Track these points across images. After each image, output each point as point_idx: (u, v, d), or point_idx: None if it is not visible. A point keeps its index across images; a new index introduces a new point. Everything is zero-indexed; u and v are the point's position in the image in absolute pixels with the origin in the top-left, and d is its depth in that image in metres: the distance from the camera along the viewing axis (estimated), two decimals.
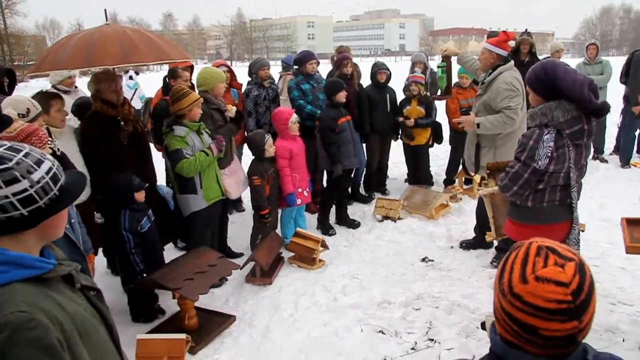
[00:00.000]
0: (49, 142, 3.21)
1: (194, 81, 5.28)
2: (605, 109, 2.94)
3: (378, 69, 6.83)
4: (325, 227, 5.95)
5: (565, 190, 3.06)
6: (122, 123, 4.17)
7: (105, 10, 4.19)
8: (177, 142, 4.27)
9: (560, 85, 2.89)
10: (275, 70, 7.58)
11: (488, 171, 3.86)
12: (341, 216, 6.17)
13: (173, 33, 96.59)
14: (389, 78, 6.88)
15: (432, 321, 3.91)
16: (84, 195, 4.32)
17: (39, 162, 1.33)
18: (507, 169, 3.15)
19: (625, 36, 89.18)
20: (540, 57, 7.82)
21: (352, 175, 6.43)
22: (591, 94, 2.88)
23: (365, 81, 7.03)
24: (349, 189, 6.68)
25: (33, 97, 3.73)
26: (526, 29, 8.07)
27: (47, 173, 1.33)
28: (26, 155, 1.31)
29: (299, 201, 5.45)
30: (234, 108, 4.99)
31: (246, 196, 6.09)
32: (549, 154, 2.91)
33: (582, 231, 3.80)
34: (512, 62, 4.87)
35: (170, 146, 4.29)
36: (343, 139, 5.76)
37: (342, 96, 5.72)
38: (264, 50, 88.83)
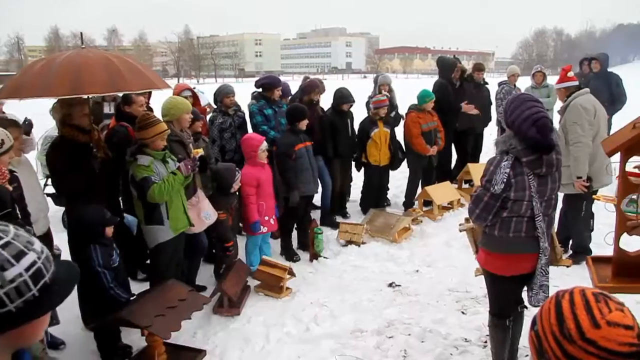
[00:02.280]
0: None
1: (155, 107, 5.16)
2: (549, 146, 3.01)
3: (342, 102, 6.78)
4: (289, 254, 5.92)
5: (531, 222, 3.13)
6: (94, 150, 4.00)
7: (81, 33, 4.07)
8: (142, 171, 4.15)
9: (508, 119, 3.09)
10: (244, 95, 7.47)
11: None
12: (304, 241, 6.15)
13: (118, 49, 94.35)
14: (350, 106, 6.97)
15: (406, 349, 3.93)
16: (44, 226, 4.18)
17: (18, 256, 1.10)
18: (472, 193, 3.26)
19: (559, 56, 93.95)
20: (482, 76, 8.35)
21: (323, 199, 6.56)
22: (537, 131, 2.96)
23: (324, 102, 7.10)
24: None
25: None
26: (454, 55, 8.57)
27: (26, 270, 1.10)
28: (5, 245, 1.10)
29: (264, 229, 5.41)
30: (201, 151, 4.86)
31: None
32: (505, 179, 3.00)
33: (568, 266, 3.93)
34: (587, 88, 5.27)
35: (137, 175, 4.17)
36: (301, 165, 5.78)
37: (304, 124, 5.76)
38: (211, 67, 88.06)
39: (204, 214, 4.92)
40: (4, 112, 5.56)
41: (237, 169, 5.28)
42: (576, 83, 5.20)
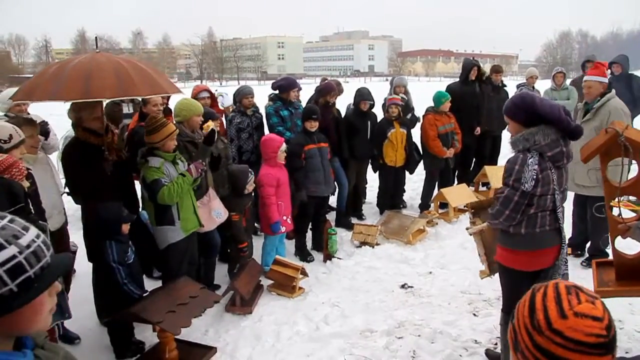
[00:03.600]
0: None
1: (172, 107, 5.23)
2: (579, 131, 3.10)
3: (362, 99, 6.86)
4: (303, 254, 5.95)
5: (553, 214, 3.16)
6: (106, 153, 4.06)
7: (96, 37, 4.13)
8: (154, 173, 4.20)
9: (540, 111, 3.05)
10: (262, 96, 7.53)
11: (472, 210, 3.93)
12: (318, 242, 6.18)
13: (143, 51, 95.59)
14: (371, 107, 6.99)
15: (415, 350, 3.91)
16: (58, 223, 4.30)
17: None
18: (497, 195, 3.23)
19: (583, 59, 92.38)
20: (503, 79, 8.28)
21: (339, 200, 6.61)
22: (567, 117, 3.07)
23: (342, 103, 7.12)
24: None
25: None
26: (473, 58, 8.50)
27: (1, 264, 1.11)
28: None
29: (283, 229, 5.47)
30: (212, 124, 4.90)
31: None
32: (534, 176, 3.00)
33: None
34: (613, 90, 5.20)
35: (148, 177, 4.22)
36: (312, 165, 5.81)
37: (310, 125, 5.80)
38: (234, 70, 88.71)
39: (214, 212, 4.98)
40: (28, 113, 5.67)
41: (250, 170, 5.35)
42: (606, 81, 5.12)
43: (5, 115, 5.19)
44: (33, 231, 1.19)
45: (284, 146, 5.38)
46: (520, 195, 3.06)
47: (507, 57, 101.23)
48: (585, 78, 5.30)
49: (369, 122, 6.93)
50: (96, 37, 4.13)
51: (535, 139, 3.06)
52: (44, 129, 4.58)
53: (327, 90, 6.67)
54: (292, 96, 6.41)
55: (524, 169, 3.04)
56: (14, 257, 1.12)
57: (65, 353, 1.32)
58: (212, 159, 4.97)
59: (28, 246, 1.15)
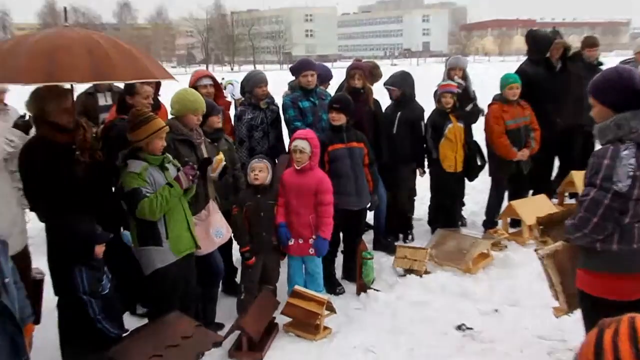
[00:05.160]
0: None
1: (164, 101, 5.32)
2: None
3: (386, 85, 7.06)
4: (330, 284, 5.95)
5: None
6: (77, 153, 4.12)
7: (65, 8, 4.17)
8: (132, 180, 4.27)
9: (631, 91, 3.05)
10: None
11: (541, 227, 3.91)
12: (350, 269, 6.19)
13: (132, 28, 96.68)
14: (404, 95, 7.06)
15: None
16: (19, 244, 4.33)
17: None
18: (580, 198, 3.19)
19: None
20: (595, 54, 8.14)
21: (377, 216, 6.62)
22: None
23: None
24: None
25: None
26: (554, 27, 8.30)
27: None
28: None
29: (291, 242, 5.55)
30: (222, 160, 5.06)
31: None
32: (630, 173, 2.98)
33: None
34: None
35: (126, 185, 4.29)
36: (337, 170, 5.84)
37: (332, 117, 5.87)
38: (249, 51, 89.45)
39: (214, 230, 5.06)
40: (6, 105, 5.85)
41: (268, 163, 5.48)
42: None
43: None
44: None
45: (295, 143, 5.44)
46: (613, 197, 3.02)
47: (613, 25, 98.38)
48: None
49: (398, 114, 7.00)
50: (65, 8, 4.20)
51: (631, 126, 3.03)
52: (24, 125, 4.63)
53: (352, 71, 6.67)
54: (303, 82, 6.43)
55: (615, 163, 3.01)
56: None
57: None
58: (202, 162, 4.98)
59: None
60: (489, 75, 12.18)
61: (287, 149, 6.40)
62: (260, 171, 5.35)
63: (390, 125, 6.97)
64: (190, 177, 4.46)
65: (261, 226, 5.38)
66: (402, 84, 7.05)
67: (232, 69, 62.09)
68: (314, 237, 5.48)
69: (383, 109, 7.14)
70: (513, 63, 53.00)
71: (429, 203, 7.61)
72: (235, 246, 5.62)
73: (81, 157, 4.16)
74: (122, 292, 4.52)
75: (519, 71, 7.72)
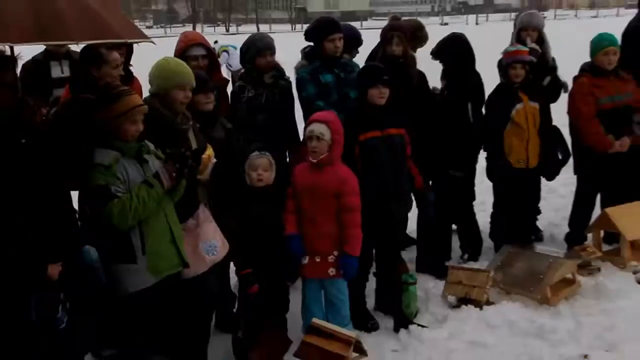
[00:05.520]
0: None
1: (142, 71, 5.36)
2: None
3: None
4: (359, 316, 5.92)
5: None
6: (21, 141, 4.11)
7: None
8: (99, 175, 4.26)
9: None
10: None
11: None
12: (386, 297, 6.18)
13: None
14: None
15: None
16: None
17: None
18: None
19: None
20: None
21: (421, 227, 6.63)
22: None
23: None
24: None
25: None
26: None
27: None
28: None
29: (305, 260, 5.51)
30: (212, 157, 5.09)
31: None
32: None
33: None
34: None
35: (90, 180, 4.30)
36: (372, 165, 5.85)
37: (375, 94, 5.81)
38: (250, 6, 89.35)
39: (205, 245, 5.04)
40: None
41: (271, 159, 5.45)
42: None
43: None
44: None
45: (310, 128, 5.40)
46: None
47: None
48: None
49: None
50: None
51: None
52: None
53: (389, 32, 6.64)
54: (331, 48, 6.40)
55: None
56: None
57: None
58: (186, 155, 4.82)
59: None
60: (576, 37, 11.83)
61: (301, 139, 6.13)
62: (265, 170, 5.35)
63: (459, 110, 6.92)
64: (172, 174, 4.45)
65: (267, 241, 5.33)
66: (452, 54, 6.99)
67: (227, 30, 61.61)
68: (335, 253, 5.42)
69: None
70: (610, 19, 51.94)
71: (490, 210, 7.53)
72: (235, 267, 5.56)
73: (26, 148, 4.14)
74: (83, 328, 4.51)
75: (628, 30, 7.60)
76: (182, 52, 6.16)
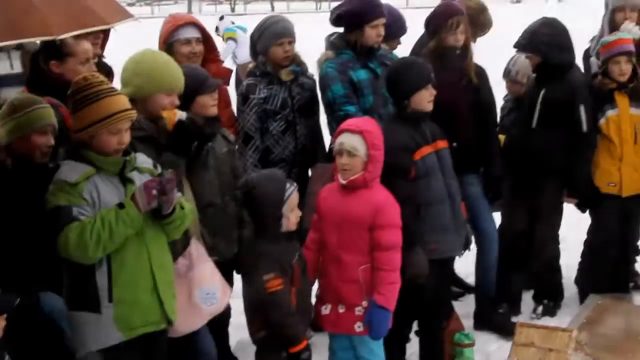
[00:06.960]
0: None
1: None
2: None
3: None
4: None
5: None
6: None
7: None
8: (59, 194, 3.88)
9: None
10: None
11: None
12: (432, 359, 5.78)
13: None
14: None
15: None
16: None
17: None
18: None
19: None
20: None
21: (481, 271, 6.41)
22: None
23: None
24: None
25: None
26: None
27: None
28: None
29: (326, 308, 5.14)
30: (177, 113, 4.58)
31: None
32: None
33: None
34: None
35: (49, 200, 3.92)
36: (428, 190, 5.36)
37: (424, 98, 5.18)
38: None
39: (201, 293, 4.60)
40: None
41: (288, 180, 4.91)
42: None
43: None
44: None
45: (340, 140, 4.83)
46: None
47: None
48: None
49: (540, 95, 6.29)
50: None
51: None
52: None
53: (442, 19, 6.00)
54: (373, 36, 5.82)
55: None
56: None
57: None
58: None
59: None
60: None
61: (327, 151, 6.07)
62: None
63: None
64: (153, 196, 3.92)
65: (308, 292, 5.00)
66: (548, 44, 6.21)
67: (232, 10, 60.04)
68: (364, 304, 4.86)
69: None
70: None
71: (571, 248, 7.09)
72: (236, 322, 5.38)
73: None
74: None
75: None
76: (170, 34, 5.85)
